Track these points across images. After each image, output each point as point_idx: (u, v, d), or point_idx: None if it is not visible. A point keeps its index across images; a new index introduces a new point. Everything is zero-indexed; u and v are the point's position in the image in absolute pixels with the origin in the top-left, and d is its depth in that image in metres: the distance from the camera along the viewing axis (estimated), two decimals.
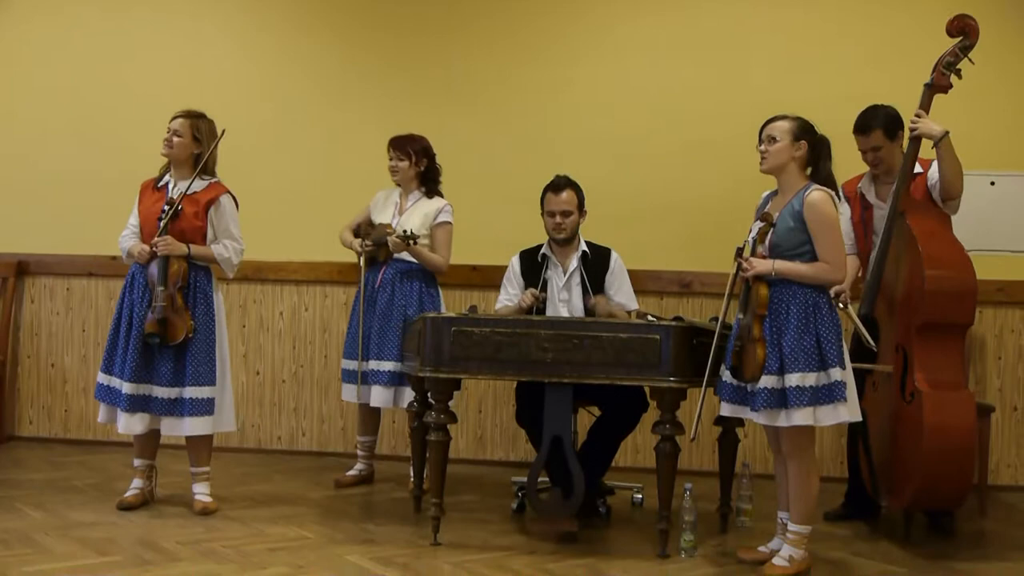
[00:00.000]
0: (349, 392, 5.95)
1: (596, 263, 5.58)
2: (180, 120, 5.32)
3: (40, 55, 7.08)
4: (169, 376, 5.23)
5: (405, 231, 5.69)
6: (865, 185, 5.40)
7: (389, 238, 5.74)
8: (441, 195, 5.99)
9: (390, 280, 5.85)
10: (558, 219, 5.50)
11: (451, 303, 6.52)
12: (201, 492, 5.38)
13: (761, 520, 5.22)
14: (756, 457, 6.14)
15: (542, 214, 5.58)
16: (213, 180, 5.37)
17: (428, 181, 5.97)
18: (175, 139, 5.29)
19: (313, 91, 6.90)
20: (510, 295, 5.63)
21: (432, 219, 5.88)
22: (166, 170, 5.42)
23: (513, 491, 5.66)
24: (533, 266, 5.62)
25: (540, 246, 5.65)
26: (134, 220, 5.41)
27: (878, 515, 5.40)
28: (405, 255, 5.81)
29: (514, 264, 5.68)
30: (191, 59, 6.96)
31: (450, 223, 5.92)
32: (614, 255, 5.64)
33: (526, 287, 5.58)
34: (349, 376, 5.93)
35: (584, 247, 5.59)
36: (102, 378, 5.34)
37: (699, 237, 6.43)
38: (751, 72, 6.51)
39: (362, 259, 5.86)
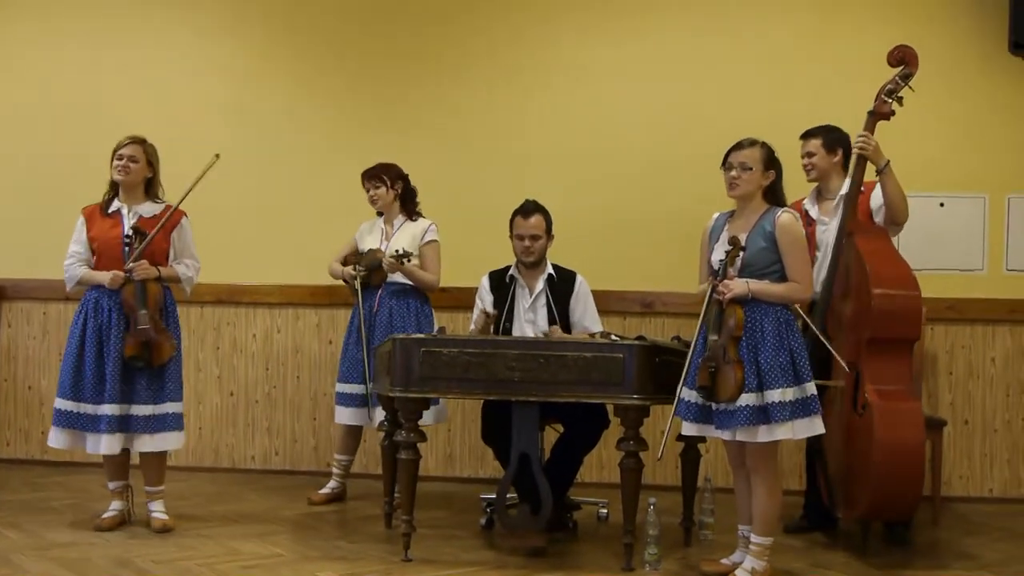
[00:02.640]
0: (352, 415, 6.00)
1: (562, 286, 5.69)
2: (133, 146, 5.38)
3: (15, 81, 7.14)
4: (148, 394, 5.31)
5: (397, 251, 5.85)
6: (809, 203, 5.58)
7: (384, 260, 5.88)
8: (422, 215, 6.14)
9: (387, 302, 5.98)
10: (527, 243, 5.61)
11: None
12: (159, 510, 5.43)
13: (723, 533, 5.29)
14: (718, 472, 6.23)
15: (511, 237, 5.69)
16: (165, 202, 5.46)
17: (407, 203, 6.12)
18: (131, 165, 5.35)
19: (285, 116, 6.98)
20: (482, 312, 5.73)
21: (420, 239, 6.04)
22: (112, 196, 5.43)
23: (482, 507, 5.72)
24: (501, 285, 5.72)
25: (508, 267, 5.75)
26: (79, 247, 5.40)
27: (835, 526, 5.50)
28: (398, 277, 5.95)
29: (484, 283, 5.78)
30: (165, 86, 7.02)
31: (437, 241, 6.08)
32: (579, 279, 5.74)
33: (495, 304, 5.69)
34: (350, 400, 5.99)
35: (551, 270, 5.70)
36: (65, 405, 5.30)
37: (661, 258, 6.54)
38: (711, 95, 6.63)
39: (357, 284, 5.96)
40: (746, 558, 4.66)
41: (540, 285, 5.68)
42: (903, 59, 5.24)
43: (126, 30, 7.11)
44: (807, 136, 5.54)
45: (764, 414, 4.47)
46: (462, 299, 6.47)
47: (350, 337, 6.07)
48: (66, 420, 5.32)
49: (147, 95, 7.00)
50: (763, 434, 4.48)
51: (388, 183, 6.06)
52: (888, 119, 5.26)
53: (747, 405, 4.47)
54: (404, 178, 6.12)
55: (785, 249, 4.56)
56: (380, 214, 6.18)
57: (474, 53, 6.91)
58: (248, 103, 7.05)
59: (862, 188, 5.35)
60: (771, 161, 4.66)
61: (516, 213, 5.66)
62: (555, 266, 5.73)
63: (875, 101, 5.27)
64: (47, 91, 7.12)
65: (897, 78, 5.24)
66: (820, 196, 5.58)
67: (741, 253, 4.58)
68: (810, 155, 5.51)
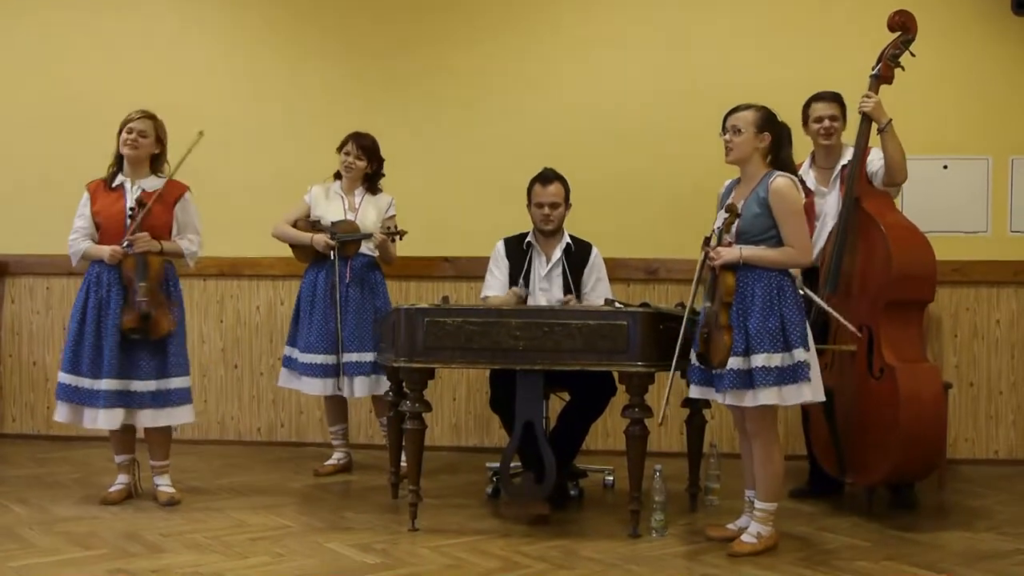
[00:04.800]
0: (324, 386, 5.99)
1: (578, 256, 5.69)
2: (145, 120, 5.37)
3: (18, 57, 7.12)
4: (150, 369, 5.32)
5: (390, 227, 5.90)
6: (805, 171, 5.52)
7: (375, 233, 5.88)
8: (382, 190, 6.16)
9: (357, 274, 5.99)
10: (546, 210, 5.60)
11: (424, 295, 6.62)
12: (165, 484, 5.45)
13: (729, 498, 5.32)
14: (723, 437, 6.26)
15: (528, 206, 5.66)
16: (168, 177, 5.44)
17: (374, 180, 6.13)
18: (141, 139, 5.34)
19: (288, 89, 6.97)
20: (496, 277, 5.71)
21: (384, 213, 6.07)
22: (116, 170, 5.41)
23: (488, 476, 5.76)
24: (518, 251, 5.71)
25: (525, 234, 5.74)
26: (83, 222, 5.38)
27: (842, 491, 5.52)
28: (367, 249, 5.99)
29: (499, 248, 5.76)
30: (168, 61, 7.01)
31: (395, 216, 6.11)
32: (594, 250, 5.74)
33: (511, 269, 5.67)
34: (321, 371, 5.98)
35: (568, 240, 5.70)
36: (66, 378, 5.32)
37: (664, 225, 6.54)
38: (714, 63, 6.60)
39: (335, 255, 5.95)
40: (751, 523, 4.67)
41: (557, 254, 5.67)
42: (904, 24, 5.23)
43: (126, 6, 7.07)
44: (832, 98, 5.48)
45: (749, 378, 4.47)
46: (465, 269, 6.50)
47: (314, 307, 6.01)
48: (66, 394, 5.33)
49: (148, 72, 6.97)
50: (749, 398, 4.49)
51: (369, 159, 6.08)
52: (890, 83, 5.25)
53: (733, 369, 4.48)
54: (382, 160, 6.14)
55: (779, 214, 4.52)
56: (337, 179, 6.16)
57: (478, 24, 6.88)
58: (249, 77, 7.03)
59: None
60: (766, 123, 4.60)
61: (535, 181, 5.65)
62: (572, 236, 5.73)
63: (878, 64, 5.25)
64: (47, 69, 7.09)
65: (899, 42, 5.23)
66: (815, 164, 5.55)
67: (738, 220, 4.56)
68: (834, 119, 5.45)
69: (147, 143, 5.36)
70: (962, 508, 5.44)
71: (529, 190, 5.66)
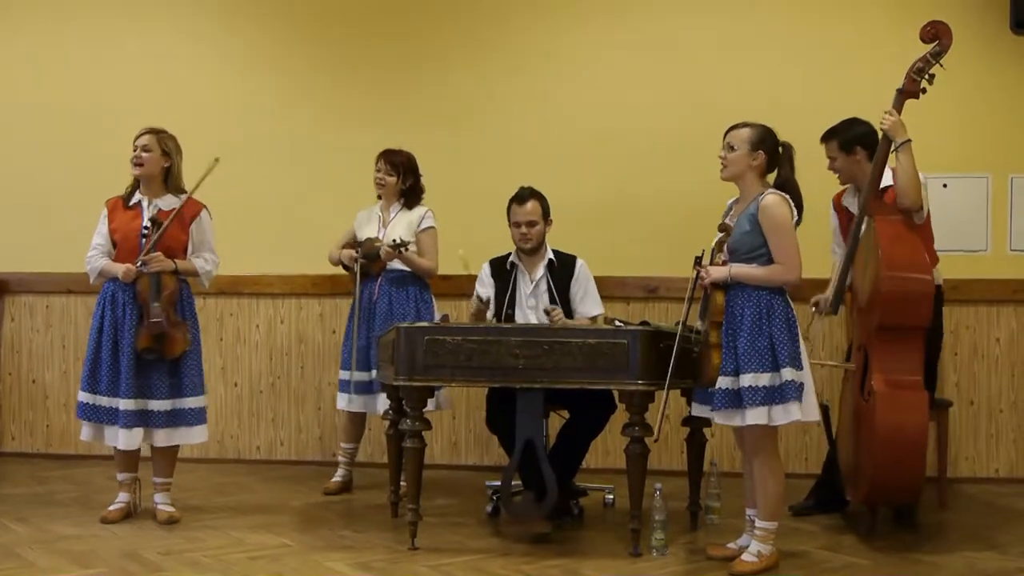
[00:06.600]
0: (351, 403, 6.01)
1: (562, 271, 5.69)
2: (147, 136, 5.38)
3: (17, 76, 7.14)
4: (166, 389, 5.32)
5: (395, 240, 5.85)
6: (848, 197, 5.48)
7: (381, 248, 5.88)
8: (420, 204, 6.15)
9: (386, 290, 5.99)
10: (523, 229, 5.61)
11: None
12: (165, 502, 5.45)
13: (730, 517, 5.30)
14: (723, 456, 6.24)
15: (509, 225, 5.69)
16: (186, 195, 5.44)
17: (410, 196, 6.12)
18: (144, 155, 5.35)
19: (289, 106, 6.99)
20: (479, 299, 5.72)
21: (416, 226, 6.04)
22: (134, 188, 5.44)
23: (487, 495, 5.74)
24: (502, 272, 5.73)
25: (509, 254, 5.75)
26: (101, 240, 5.40)
27: (843, 509, 5.51)
28: (397, 264, 5.96)
29: (484, 270, 5.78)
30: (168, 78, 7.03)
31: (434, 227, 6.09)
32: (579, 263, 5.75)
33: (496, 291, 5.68)
34: (345, 387, 6.01)
35: (551, 255, 5.71)
36: (85, 397, 5.34)
37: (664, 243, 6.51)
38: (714, 79, 6.61)
39: (357, 271, 5.95)
40: (752, 542, 4.65)
41: (541, 271, 5.68)
42: (936, 35, 5.07)
43: (127, 25, 7.11)
44: (825, 139, 5.39)
45: (738, 398, 4.47)
46: (465, 287, 6.46)
47: (351, 325, 6.06)
48: (86, 413, 5.34)
49: (147, 89, 6.99)
50: (739, 418, 4.49)
51: (400, 175, 6.07)
52: (917, 97, 5.11)
53: (723, 389, 4.49)
54: (417, 175, 6.13)
55: (767, 231, 4.51)
56: (379, 197, 6.17)
57: (476, 42, 6.90)
58: (246, 96, 7.05)
59: (891, 179, 5.21)
60: (761, 142, 4.59)
61: (512, 201, 5.68)
62: (555, 251, 5.73)
63: (904, 79, 5.11)
64: (49, 86, 7.12)
65: (928, 55, 5.07)
66: (859, 192, 5.42)
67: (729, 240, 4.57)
68: (831, 159, 5.38)
69: (151, 158, 5.36)
70: (963, 527, 5.42)
71: (508, 210, 5.68)
